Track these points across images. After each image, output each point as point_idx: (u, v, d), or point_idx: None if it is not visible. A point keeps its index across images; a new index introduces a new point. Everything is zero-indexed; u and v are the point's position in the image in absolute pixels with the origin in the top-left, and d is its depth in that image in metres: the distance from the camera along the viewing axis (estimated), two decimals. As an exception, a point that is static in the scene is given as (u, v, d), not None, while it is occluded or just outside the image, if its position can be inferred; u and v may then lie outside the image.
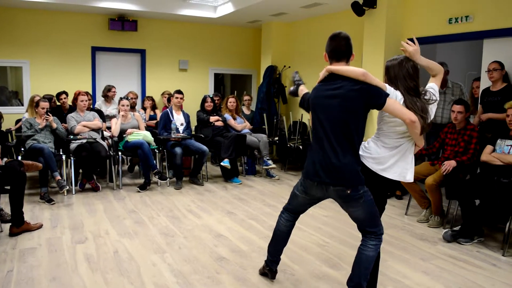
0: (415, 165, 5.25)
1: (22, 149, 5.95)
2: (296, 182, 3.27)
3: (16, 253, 3.92)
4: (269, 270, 3.46)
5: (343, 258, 3.96)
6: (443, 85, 5.84)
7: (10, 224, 4.40)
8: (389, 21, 6.06)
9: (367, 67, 6.35)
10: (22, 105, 8.33)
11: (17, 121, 7.48)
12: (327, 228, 4.80)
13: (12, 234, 4.34)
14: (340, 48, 3.12)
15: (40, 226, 4.61)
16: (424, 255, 4.08)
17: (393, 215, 5.37)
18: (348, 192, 2.88)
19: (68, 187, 5.79)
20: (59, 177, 5.64)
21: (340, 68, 3.03)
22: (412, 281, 3.52)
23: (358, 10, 6.22)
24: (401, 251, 4.15)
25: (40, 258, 3.83)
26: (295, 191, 3.25)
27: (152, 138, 6.55)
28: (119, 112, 6.64)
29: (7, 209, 4.65)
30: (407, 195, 5.60)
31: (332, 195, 3.04)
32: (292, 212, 3.39)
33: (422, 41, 5.98)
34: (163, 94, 8.87)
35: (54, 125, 5.96)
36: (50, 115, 5.95)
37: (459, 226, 4.44)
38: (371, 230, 3.06)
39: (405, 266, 3.81)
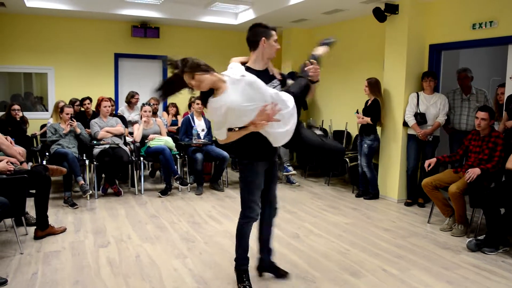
0: (438, 172, 5.21)
1: (47, 153, 6.07)
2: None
3: (41, 256, 3.99)
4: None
5: (364, 265, 3.92)
6: (467, 91, 5.76)
7: (35, 227, 4.48)
8: (411, 27, 6.01)
9: (389, 73, 6.30)
10: (47, 110, 8.50)
11: (42, 126, 7.65)
12: (348, 236, 4.76)
13: (37, 237, 4.42)
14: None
15: (64, 230, 4.68)
16: (447, 264, 4.01)
17: (416, 223, 5.30)
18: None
19: (91, 192, 5.88)
20: (82, 182, 5.73)
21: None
22: (435, 291, 3.47)
23: (380, 16, 6.19)
24: (423, 260, 4.09)
25: (64, 261, 3.90)
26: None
27: (174, 144, 6.61)
28: (141, 118, 6.72)
29: (32, 213, 4.75)
30: (430, 203, 5.52)
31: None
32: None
33: (445, 47, 5.96)
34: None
35: (78, 131, 6.06)
36: (74, 120, 6.06)
37: (484, 235, 4.36)
38: None
39: (428, 275, 3.76)
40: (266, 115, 2.83)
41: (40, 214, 4.41)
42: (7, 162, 3.95)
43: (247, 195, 3.31)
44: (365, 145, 6.23)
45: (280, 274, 3.62)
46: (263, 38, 3.16)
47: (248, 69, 3.16)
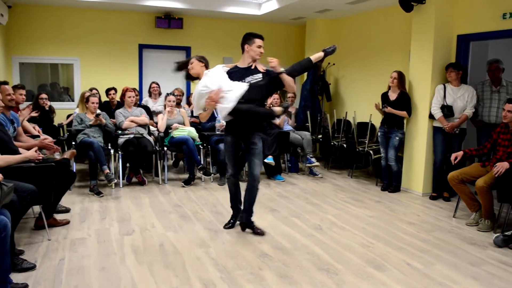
0: (466, 166, 5.11)
1: (73, 143, 6.17)
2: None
3: (68, 243, 4.08)
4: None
5: (388, 259, 3.89)
6: (497, 83, 5.62)
7: (53, 215, 4.50)
8: (439, 17, 5.88)
9: (415, 65, 6.19)
10: (73, 100, 8.64)
11: (68, 116, 7.78)
12: (372, 229, 4.72)
13: (38, 226, 4.38)
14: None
15: (67, 223, 4.60)
16: (474, 260, 3.95)
17: (441, 217, 5.22)
18: None
19: (116, 180, 5.97)
20: (107, 171, 5.81)
21: None
22: (461, 286, 3.41)
23: (406, 5, 6.07)
24: (448, 255, 4.03)
25: (90, 248, 3.97)
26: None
27: (197, 134, 6.64)
28: (165, 107, 6.78)
29: (62, 202, 4.86)
30: (456, 197, 5.44)
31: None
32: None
33: (474, 37, 5.82)
34: None
35: (104, 122, 6.14)
36: (100, 114, 6.09)
37: (511, 231, 4.27)
38: None
39: (454, 270, 3.70)
40: (211, 97, 3.97)
41: (51, 204, 4.36)
42: (36, 151, 4.02)
43: (225, 160, 4.54)
44: (397, 138, 6.14)
45: (257, 232, 4.44)
46: (246, 44, 4.29)
47: (236, 67, 4.37)
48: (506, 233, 4.28)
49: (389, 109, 6.10)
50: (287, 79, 4.21)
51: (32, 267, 3.46)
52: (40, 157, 4.09)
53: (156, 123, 7.02)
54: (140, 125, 6.54)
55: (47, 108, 7.00)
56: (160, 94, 8.02)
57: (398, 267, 3.72)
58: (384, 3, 7.23)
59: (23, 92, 5.69)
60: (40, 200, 3.91)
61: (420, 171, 6.13)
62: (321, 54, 4.49)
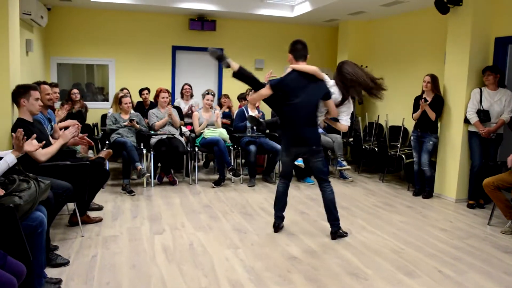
0: (502, 172, 4.96)
1: (107, 142, 6.31)
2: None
3: (100, 240, 4.17)
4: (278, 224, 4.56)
5: (419, 266, 3.81)
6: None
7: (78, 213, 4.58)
8: (476, 19, 5.73)
9: (450, 68, 6.06)
10: (107, 100, 8.83)
11: (103, 116, 7.96)
12: (403, 234, 4.64)
13: (72, 222, 4.50)
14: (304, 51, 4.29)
15: (100, 220, 4.70)
16: (509, 269, 3.83)
17: (475, 224, 5.09)
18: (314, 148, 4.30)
19: (148, 174, 6.06)
20: (140, 167, 5.89)
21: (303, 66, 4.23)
22: (495, 295, 3.32)
23: (442, 7, 5.94)
24: (482, 263, 3.93)
25: (122, 246, 4.05)
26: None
27: (228, 136, 6.69)
28: (189, 109, 6.85)
29: (96, 200, 4.98)
30: (491, 204, 5.28)
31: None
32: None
33: (513, 40, 5.64)
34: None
35: (138, 127, 6.26)
36: (134, 120, 6.21)
37: (550, 240, 4.13)
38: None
39: (487, 279, 3.60)
40: None
41: (85, 201, 4.46)
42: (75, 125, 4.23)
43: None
44: (431, 143, 6.03)
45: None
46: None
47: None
48: (544, 243, 4.14)
49: (425, 105, 5.95)
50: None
51: (66, 263, 3.56)
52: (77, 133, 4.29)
53: (186, 124, 7.12)
54: (172, 126, 6.62)
55: (77, 99, 7.21)
56: (192, 96, 8.11)
57: (430, 274, 3.65)
58: (419, 5, 7.10)
59: (57, 90, 5.85)
60: (75, 198, 4.02)
61: (454, 176, 5.99)
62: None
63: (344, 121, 4.45)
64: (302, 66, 4.22)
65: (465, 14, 5.79)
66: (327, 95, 4.26)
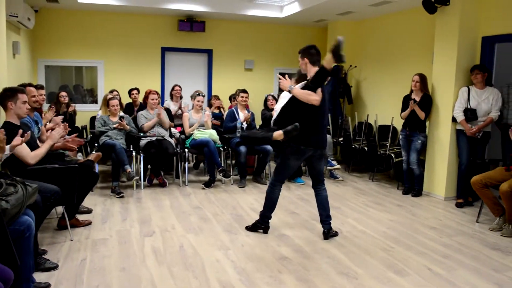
0: (489, 169, 5.01)
1: (96, 144, 6.27)
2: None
3: (89, 243, 4.14)
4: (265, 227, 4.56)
5: (409, 264, 3.84)
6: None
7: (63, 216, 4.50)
8: (463, 19, 5.78)
9: (438, 67, 6.10)
10: (96, 102, 8.78)
11: (92, 119, 7.91)
12: (393, 233, 4.67)
13: (61, 226, 4.44)
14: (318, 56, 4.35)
15: (89, 223, 4.67)
16: (497, 266, 3.86)
17: (463, 222, 5.13)
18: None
19: (137, 177, 6.04)
20: (130, 169, 5.87)
21: None
22: (484, 292, 3.35)
23: (430, 7, 5.99)
24: (471, 260, 3.96)
25: (111, 248, 4.03)
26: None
27: (218, 137, 6.68)
28: (179, 109, 6.83)
29: (85, 203, 4.95)
30: (479, 201, 5.33)
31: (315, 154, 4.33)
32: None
33: (499, 39, 5.70)
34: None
35: (128, 128, 6.23)
36: (124, 120, 6.20)
37: (537, 237, 4.17)
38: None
39: (476, 276, 3.63)
40: None
41: (73, 204, 4.41)
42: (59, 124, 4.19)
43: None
44: (419, 141, 6.07)
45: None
46: None
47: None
48: (532, 239, 4.19)
49: (414, 105, 5.99)
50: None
51: (55, 267, 3.53)
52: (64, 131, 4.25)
53: (176, 126, 7.09)
54: (161, 127, 6.60)
55: (66, 103, 7.18)
56: (181, 97, 8.08)
57: (419, 272, 3.67)
58: (407, 5, 7.14)
59: (43, 92, 5.80)
60: (63, 201, 3.98)
61: (443, 175, 6.04)
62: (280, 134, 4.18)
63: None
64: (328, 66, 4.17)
65: (453, 13, 5.84)
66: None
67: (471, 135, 5.58)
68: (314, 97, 4.10)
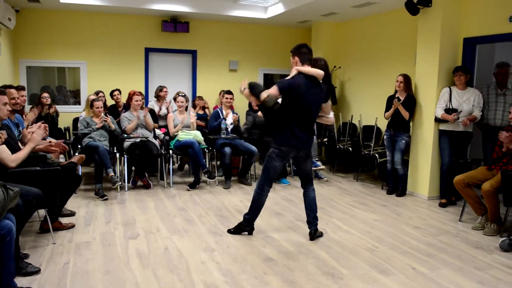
0: (472, 169, 5.08)
1: (79, 146, 6.20)
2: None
3: (72, 246, 4.09)
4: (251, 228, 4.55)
5: (393, 263, 3.87)
6: (503, 86, 5.58)
7: (42, 220, 4.47)
8: (445, 20, 5.85)
9: (421, 68, 6.17)
10: (79, 104, 8.68)
11: (75, 120, 7.82)
12: (377, 232, 4.70)
13: (43, 229, 4.37)
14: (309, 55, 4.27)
15: (72, 226, 4.60)
16: (480, 264, 3.92)
17: (446, 221, 5.19)
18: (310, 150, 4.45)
19: (120, 183, 5.98)
20: (112, 174, 5.82)
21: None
22: (467, 291, 3.39)
23: (412, 8, 6.05)
24: (454, 259, 4.00)
25: (95, 252, 3.98)
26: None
27: (202, 138, 6.65)
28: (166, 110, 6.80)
29: (68, 206, 4.88)
30: (461, 201, 5.40)
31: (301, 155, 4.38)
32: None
33: (480, 40, 5.79)
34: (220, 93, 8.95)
35: (113, 127, 6.18)
36: (108, 117, 6.15)
37: (518, 235, 4.24)
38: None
39: (459, 274, 3.67)
40: None
41: (56, 207, 4.36)
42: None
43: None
44: (403, 142, 6.12)
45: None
46: None
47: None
48: (513, 238, 4.25)
49: (398, 104, 6.02)
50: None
51: (37, 271, 3.47)
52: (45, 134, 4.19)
53: (161, 127, 7.05)
54: (146, 129, 6.55)
55: (48, 104, 7.08)
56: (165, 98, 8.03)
57: (403, 271, 3.70)
58: (390, 7, 7.20)
59: (24, 93, 5.72)
60: (45, 204, 3.93)
61: (426, 174, 6.10)
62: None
63: (331, 114, 4.62)
64: (309, 69, 4.19)
65: (435, 15, 5.90)
66: (326, 97, 4.44)
67: (453, 121, 5.57)
68: (269, 92, 4.02)
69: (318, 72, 4.20)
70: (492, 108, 5.64)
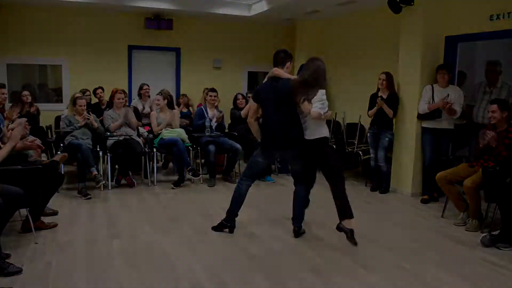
0: (454, 166, 5.13)
1: (61, 145, 6.12)
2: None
3: (55, 246, 4.04)
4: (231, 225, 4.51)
5: (377, 259, 3.90)
6: (492, 84, 5.67)
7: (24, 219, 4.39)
8: (427, 19, 5.91)
9: (403, 66, 6.22)
10: (62, 102, 8.56)
11: (57, 118, 7.71)
12: (361, 229, 4.66)
13: (25, 228, 4.29)
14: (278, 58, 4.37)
15: (55, 226, 4.53)
16: (462, 259, 3.97)
17: (429, 217, 5.25)
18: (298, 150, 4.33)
19: (104, 182, 5.93)
20: (95, 173, 5.75)
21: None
22: (449, 286, 3.43)
23: (395, 7, 6.10)
24: (437, 255, 4.05)
25: (78, 251, 3.93)
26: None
27: (187, 136, 6.62)
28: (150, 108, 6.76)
29: (50, 205, 4.80)
30: (444, 197, 5.46)
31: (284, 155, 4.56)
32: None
33: (462, 38, 5.86)
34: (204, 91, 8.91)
35: (96, 125, 6.10)
36: (91, 115, 6.08)
37: (498, 231, 4.30)
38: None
39: (443, 270, 3.71)
40: None
41: (38, 206, 4.30)
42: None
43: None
44: (386, 139, 6.17)
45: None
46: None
47: None
48: (493, 233, 4.31)
49: (382, 103, 6.05)
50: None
51: (19, 271, 3.41)
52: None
53: (145, 125, 7.00)
54: (129, 127, 6.49)
55: (29, 102, 6.98)
56: (149, 96, 7.97)
57: (387, 267, 3.74)
58: (373, 5, 7.25)
59: (5, 91, 5.64)
60: (27, 203, 3.86)
61: (409, 171, 6.16)
62: None
63: (315, 108, 4.12)
64: (271, 71, 4.35)
65: (417, 13, 5.96)
66: (290, 91, 4.18)
67: (445, 104, 5.51)
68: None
69: (276, 72, 4.30)
70: (477, 106, 5.73)
